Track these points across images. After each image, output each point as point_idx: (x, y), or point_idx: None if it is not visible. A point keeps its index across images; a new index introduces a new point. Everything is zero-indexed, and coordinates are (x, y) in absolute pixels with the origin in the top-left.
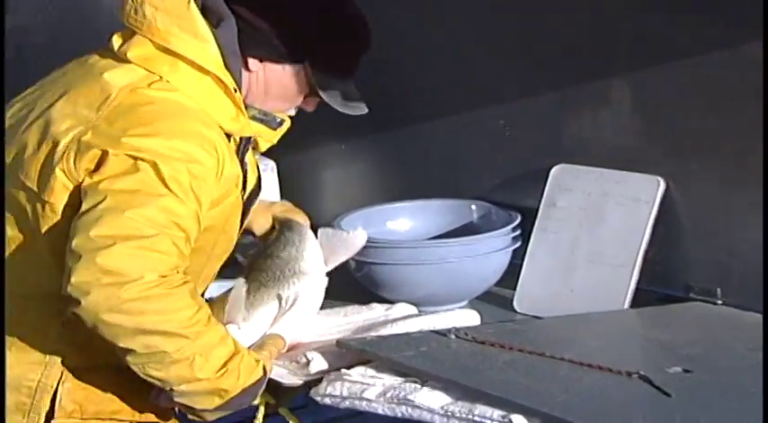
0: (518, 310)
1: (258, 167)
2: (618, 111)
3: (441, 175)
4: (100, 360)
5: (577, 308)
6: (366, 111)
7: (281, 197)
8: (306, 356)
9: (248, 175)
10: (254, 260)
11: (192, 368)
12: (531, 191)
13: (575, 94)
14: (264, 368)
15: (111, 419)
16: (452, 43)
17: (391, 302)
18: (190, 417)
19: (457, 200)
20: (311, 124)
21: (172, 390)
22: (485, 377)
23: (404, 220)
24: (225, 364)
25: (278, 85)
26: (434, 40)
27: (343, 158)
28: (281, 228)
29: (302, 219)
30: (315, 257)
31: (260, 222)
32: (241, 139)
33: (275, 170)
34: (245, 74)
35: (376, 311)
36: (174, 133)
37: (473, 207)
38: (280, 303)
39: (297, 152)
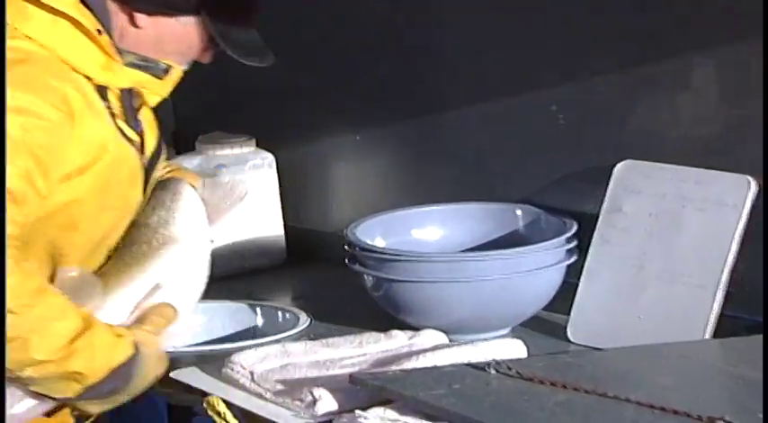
0: (573, 340)
1: (159, 126)
2: (698, 95)
3: (477, 172)
4: None
5: (646, 337)
6: (272, 60)
7: (282, 199)
8: (312, 394)
9: (146, 137)
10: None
11: (26, 348)
12: (590, 193)
13: (645, 75)
14: (136, 344)
15: None
16: (493, 16)
17: (416, 329)
18: (73, 413)
19: (498, 203)
20: (318, 110)
21: (19, 377)
22: (532, 421)
23: (433, 229)
24: (72, 342)
25: (172, 39)
26: (472, 15)
27: (357, 152)
28: (154, 190)
29: (191, 179)
30: (191, 218)
31: None
32: (123, 93)
33: (274, 165)
34: (132, 30)
35: (398, 340)
36: (15, 84)
37: (518, 212)
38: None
39: (301, 144)
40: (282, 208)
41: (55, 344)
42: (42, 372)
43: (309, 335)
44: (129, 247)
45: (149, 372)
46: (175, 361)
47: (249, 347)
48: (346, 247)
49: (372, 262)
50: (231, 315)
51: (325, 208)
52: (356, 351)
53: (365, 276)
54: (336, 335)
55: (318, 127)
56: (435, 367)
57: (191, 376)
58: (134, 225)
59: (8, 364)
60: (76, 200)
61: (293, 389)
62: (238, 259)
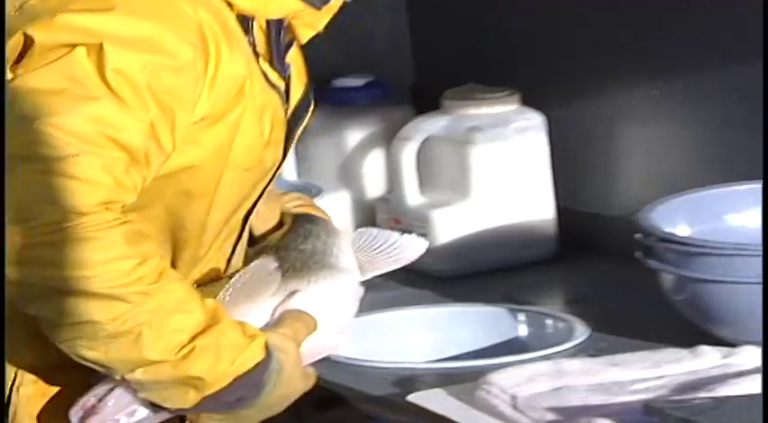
0: None
1: (309, 72)
2: None
3: None
4: (64, 356)
5: None
6: None
7: (554, 173)
8: None
9: (292, 83)
10: (255, 254)
11: (138, 345)
12: None
13: None
14: (270, 349)
15: None
16: None
17: (732, 345)
18: None
19: None
20: (601, 57)
21: (124, 379)
22: None
23: (753, 212)
24: (191, 340)
25: None
26: None
27: (653, 112)
28: (298, 220)
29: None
30: (349, 257)
31: (261, 216)
32: (270, 25)
33: (544, 129)
34: None
35: (707, 359)
36: (134, 9)
37: None
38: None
39: (578, 101)
40: (554, 185)
41: (173, 341)
42: (155, 375)
43: (589, 350)
44: (280, 263)
45: (286, 384)
46: (413, 381)
47: (510, 365)
48: (638, 236)
49: (673, 256)
50: (486, 323)
51: (609, 185)
52: (651, 372)
53: (663, 275)
54: (625, 350)
55: (601, 79)
56: (758, 396)
57: (433, 400)
58: (283, 248)
59: (109, 360)
60: (203, 156)
61: (568, 419)
62: (496, 250)
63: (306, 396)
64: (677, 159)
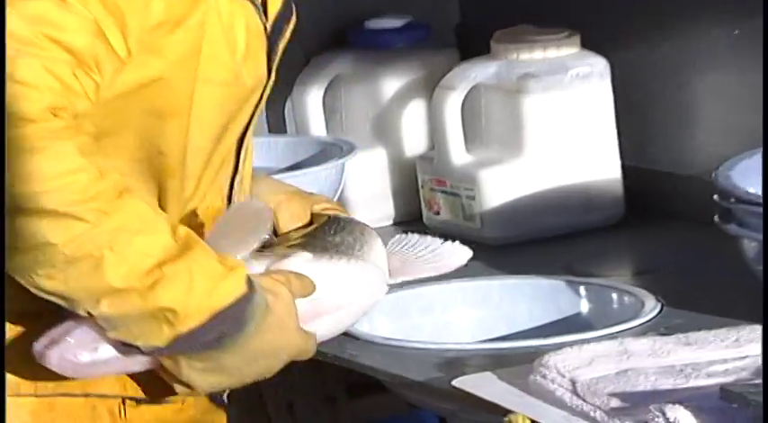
0: None
1: None
2: None
3: None
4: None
5: None
6: None
7: (619, 126)
8: (664, 414)
9: None
10: (279, 242)
11: (99, 271)
12: None
13: None
14: (254, 284)
15: (82, 395)
16: None
17: None
18: (168, 380)
19: None
20: None
21: (89, 313)
22: None
23: None
24: (161, 265)
25: None
26: None
27: (734, 55)
28: (331, 218)
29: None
30: (379, 256)
31: (293, 211)
32: None
33: (608, 76)
34: None
35: None
36: None
37: None
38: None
39: (647, 43)
40: (620, 139)
41: (139, 266)
42: (121, 306)
43: (660, 328)
44: (306, 247)
45: (276, 331)
46: (459, 363)
47: (569, 345)
48: (716, 197)
49: (756, 220)
50: (542, 297)
51: (683, 139)
52: (730, 352)
53: (744, 241)
54: (700, 328)
55: (673, 16)
56: None
57: (482, 385)
58: (312, 236)
59: (69, 289)
60: (167, 67)
61: (635, 406)
62: (553, 215)
63: (339, 381)
64: (761, 110)
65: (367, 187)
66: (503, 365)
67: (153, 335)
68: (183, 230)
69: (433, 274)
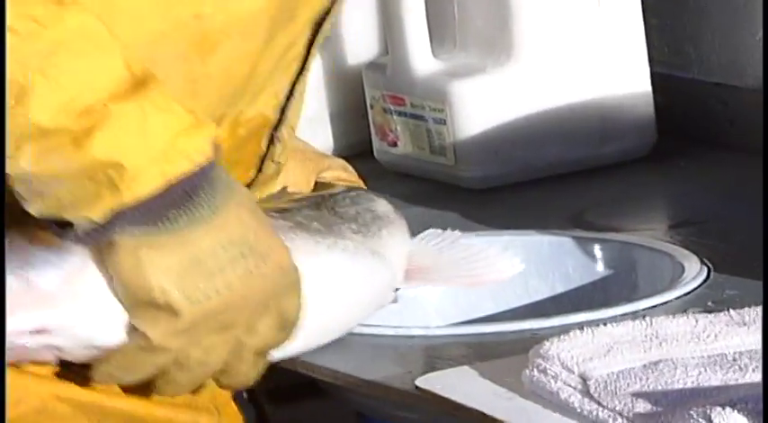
0: None
1: None
2: None
3: None
4: None
5: None
6: None
7: (648, 14)
8: (710, 419)
9: None
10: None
11: (23, 103)
12: None
13: None
14: (217, 147)
15: None
16: None
17: None
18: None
19: None
20: None
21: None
22: None
23: None
24: (107, 102)
25: None
26: None
27: None
28: (348, 188)
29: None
30: (395, 247)
31: (288, 177)
32: None
33: None
34: None
35: None
36: None
37: None
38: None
39: None
40: (647, 37)
41: (76, 99)
42: (47, 157)
43: (705, 302)
44: (309, 221)
45: (246, 210)
46: (427, 355)
47: (578, 327)
48: None
49: None
50: (540, 260)
51: (738, 37)
52: None
53: None
54: (759, 301)
55: None
56: None
57: (457, 384)
58: (318, 205)
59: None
60: None
61: (670, 410)
62: (556, 144)
63: (258, 382)
64: None
65: None
66: (486, 357)
67: (88, 202)
68: (141, 66)
69: (458, 285)
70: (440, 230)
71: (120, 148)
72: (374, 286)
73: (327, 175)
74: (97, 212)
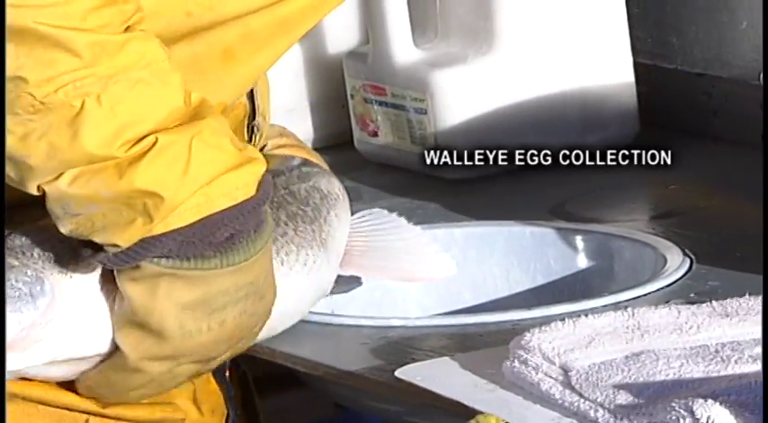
0: None
1: None
2: None
3: None
4: None
5: None
6: None
7: (631, 3)
8: (692, 413)
9: None
10: None
11: (73, 128)
12: None
13: None
14: (266, 184)
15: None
16: None
17: None
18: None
19: None
20: None
21: (41, 190)
22: None
23: None
24: (155, 131)
25: None
26: None
27: None
28: (298, 164)
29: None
30: (342, 235)
31: None
32: None
33: None
34: None
35: None
36: None
37: None
38: None
39: None
40: (630, 27)
41: (129, 128)
42: (89, 182)
43: (687, 293)
44: None
45: (267, 271)
46: (406, 346)
47: (559, 318)
48: None
49: None
50: (520, 251)
51: (722, 27)
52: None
53: None
54: (743, 292)
55: None
56: None
57: (437, 376)
58: None
59: (33, 157)
60: None
61: (652, 402)
62: (538, 134)
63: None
64: None
65: (275, 98)
66: (467, 348)
67: (120, 228)
68: (198, 96)
69: (389, 278)
70: (385, 211)
71: (161, 179)
72: (321, 285)
73: (271, 144)
74: (126, 239)
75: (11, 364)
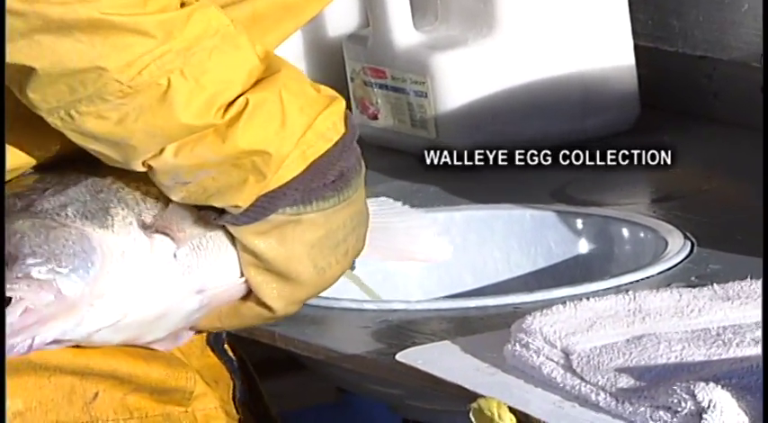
0: None
1: None
2: None
3: None
4: None
5: None
6: None
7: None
8: (693, 396)
9: None
10: None
11: (165, 104)
12: None
13: None
14: (350, 117)
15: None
16: None
17: None
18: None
19: None
20: None
21: (149, 166)
22: None
23: None
24: (244, 92)
25: None
26: None
27: None
28: None
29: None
30: None
31: None
32: None
33: None
34: None
35: None
36: None
37: None
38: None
39: None
40: (631, 10)
41: (219, 95)
42: (193, 152)
43: (689, 277)
44: None
45: (361, 208)
46: (407, 329)
47: (561, 302)
48: None
49: None
50: (521, 234)
51: (723, 10)
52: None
53: None
54: (743, 275)
55: None
56: None
57: (438, 359)
58: None
59: (134, 138)
60: None
61: (653, 385)
62: (538, 118)
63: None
64: None
65: None
66: (468, 332)
67: (234, 189)
68: (261, 48)
69: (388, 258)
70: (391, 200)
71: (262, 136)
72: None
73: None
74: (245, 199)
75: (81, 329)
